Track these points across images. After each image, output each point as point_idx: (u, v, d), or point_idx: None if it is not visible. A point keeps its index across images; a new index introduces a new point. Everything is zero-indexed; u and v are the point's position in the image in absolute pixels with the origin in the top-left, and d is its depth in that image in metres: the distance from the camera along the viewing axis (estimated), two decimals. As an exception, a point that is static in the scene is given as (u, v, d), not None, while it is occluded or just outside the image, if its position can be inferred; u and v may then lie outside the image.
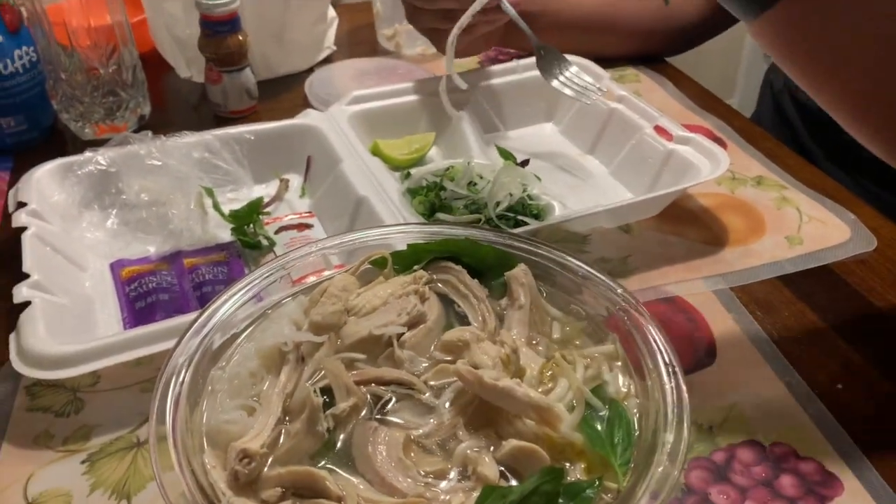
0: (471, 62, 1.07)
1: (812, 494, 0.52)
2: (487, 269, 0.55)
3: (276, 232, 0.75)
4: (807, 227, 0.77)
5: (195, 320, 0.48)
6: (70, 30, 0.86)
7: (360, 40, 1.17)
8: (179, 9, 0.98)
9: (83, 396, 0.60)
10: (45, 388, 0.60)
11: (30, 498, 0.53)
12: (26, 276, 0.63)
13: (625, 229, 0.76)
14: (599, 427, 0.44)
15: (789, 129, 1.08)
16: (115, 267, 0.72)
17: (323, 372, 0.47)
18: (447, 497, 0.41)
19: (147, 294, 0.68)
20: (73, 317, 0.64)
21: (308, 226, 0.77)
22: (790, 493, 0.52)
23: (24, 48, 0.87)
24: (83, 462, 0.55)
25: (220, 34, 0.91)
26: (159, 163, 0.76)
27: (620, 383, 0.48)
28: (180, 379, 0.45)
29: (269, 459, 0.43)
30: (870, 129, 0.55)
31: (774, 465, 0.54)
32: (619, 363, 0.49)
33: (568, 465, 0.43)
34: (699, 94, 1.02)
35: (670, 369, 0.45)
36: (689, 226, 0.77)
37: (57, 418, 0.58)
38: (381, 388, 0.47)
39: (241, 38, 0.93)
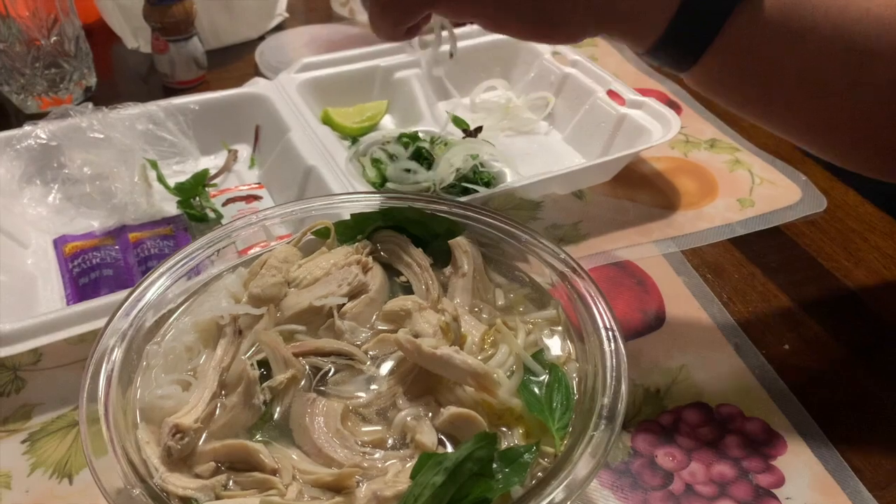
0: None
1: (756, 454, 0.53)
2: (432, 237, 0.55)
3: (224, 204, 0.74)
4: (759, 189, 0.77)
5: (126, 299, 0.47)
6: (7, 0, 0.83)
7: (313, 7, 1.14)
8: (124, -23, 0.95)
9: (24, 375, 0.59)
10: (-16, 369, 0.59)
11: (-32, 480, 0.52)
12: (-37, 254, 0.62)
13: (578, 195, 0.76)
14: (538, 392, 0.44)
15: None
16: (59, 243, 0.70)
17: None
18: (384, 465, 0.41)
19: (91, 269, 0.66)
20: (12, 294, 0.62)
21: (257, 197, 0.75)
22: (735, 453, 0.53)
23: (-41, 19, 0.84)
24: (23, 441, 0.54)
25: (165, 2, 0.89)
26: (102, 135, 0.74)
27: (560, 348, 0.48)
28: (112, 357, 0.44)
29: (204, 434, 0.42)
30: (812, 148, 0.58)
31: (720, 426, 0.55)
32: (561, 328, 0.49)
33: (506, 430, 0.43)
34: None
35: (610, 333, 0.45)
36: (642, 190, 0.77)
37: (-3, 398, 0.57)
38: (321, 359, 0.46)
39: (187, 5, 0.90)
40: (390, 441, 0.42)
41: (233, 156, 0.80)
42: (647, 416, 0.55)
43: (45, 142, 0.74)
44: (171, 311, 0.50)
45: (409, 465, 0.40)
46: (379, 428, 0.43)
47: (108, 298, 0.59)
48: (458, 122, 0.84)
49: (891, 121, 0.51)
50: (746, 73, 0.52)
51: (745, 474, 0.51)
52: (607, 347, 0.44)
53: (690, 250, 0.70)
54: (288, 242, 0.54)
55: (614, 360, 0.44)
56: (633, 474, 0.52)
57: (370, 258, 0.53)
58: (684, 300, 0.65)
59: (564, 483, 0.38)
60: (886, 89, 0.50)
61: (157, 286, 0.50)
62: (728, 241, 0.71)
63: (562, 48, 0.88)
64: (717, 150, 0.83)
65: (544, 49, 0.89)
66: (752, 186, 0.77)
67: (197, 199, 0.72)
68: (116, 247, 0.69)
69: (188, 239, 0.70)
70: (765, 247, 0.70)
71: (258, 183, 0.78)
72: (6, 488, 0.51)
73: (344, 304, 0.49)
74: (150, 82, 0.98)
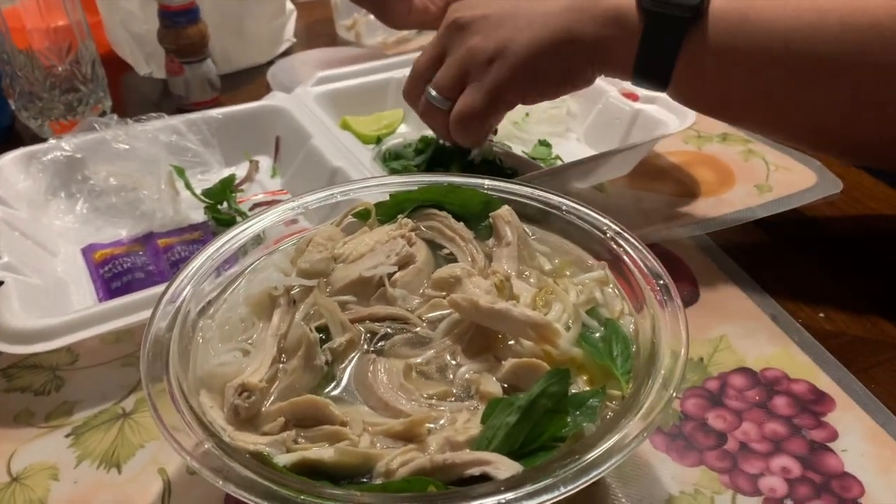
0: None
1: (806, 412, 0.53)
2: (471, 214, 0.55)
3: (251, 209, 0.74)
4: (774, 175, 0.78)
5: (170, 285, 0.47)
6: (26, 30, 0.85)
7: (319, 33, 1.17)
8: (136, 5, 0.97)
9: (62, 374, 0.58)
10: (22, 370, 0.58)
11: (14, 473, 0.51)
12: (-5, 260, 0.61)
13: (599, 188, 0.77)
14: (598, 343, 0.44)
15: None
16: (87, 252, 0.70)
17: (315, 315, 0.47)
18: (453, 415, 0.40)
19: (122, 274, 0.66)
20: (47, 296, 0.62)
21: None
22: (785, 412, 0.53)
23: (-22, 46, 0.85)
24: (67, 436, 0.53)
25: (179, 24, 0.91)
26: (126, 146, 0.74)
27: (613, 305, 0.48)
28: (166, 335, 0.44)
29: (270, 396, 0.42)
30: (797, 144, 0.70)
31: (767, 389, 0.55)
32: (611, 287, 0.49)
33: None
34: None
35: (660, 282, 0.46)
36: (661, 182, 0.78)
37: (36, 397, 0.56)
38: (375, 324, 0.46)
39: (201, 27, 0.92)
40: (454, 395, 0.42)
41: (254, 166, 0.81)
42: (693, 384, 0.55)
43: (70, 154, 0.74)
44: (219, 294, 0.50)
45: (478, 414, 0.40)
46: (441, 384, 0.43)
47: (144, 293, 0.58)
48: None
49: (841, 118, 0.58)
50: (708, 91, 0.61)
51: (797, 431, 0.51)
52: (661, 296, 0.45)
53: (716, 233, 0.71)
54: (329, 224, 0.55)
55: (669, 308, 0.44)
56: (685, 437, 0.51)
57: (413, 234, 0.53)
58: (716, 277, 0.65)
59: (637, 417, 0.38)
60: (831, 93, 0.57)
61: (199, 272, 0.49)
62: (751, 223, 0.72)
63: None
64: (730, 143, 0.84)
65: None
66: (767, 173, 0.79)
67: (224, 203, 0.73)
68: (147, 252, 0.69)
69: (217, 243, 0.70)
70: (787, 227, 0.71)
71: (282, 190, 0.78)
72: (54, 480, 0.50)
73: (394, 273, 0.49)
74: (163, 107, 0.98)
